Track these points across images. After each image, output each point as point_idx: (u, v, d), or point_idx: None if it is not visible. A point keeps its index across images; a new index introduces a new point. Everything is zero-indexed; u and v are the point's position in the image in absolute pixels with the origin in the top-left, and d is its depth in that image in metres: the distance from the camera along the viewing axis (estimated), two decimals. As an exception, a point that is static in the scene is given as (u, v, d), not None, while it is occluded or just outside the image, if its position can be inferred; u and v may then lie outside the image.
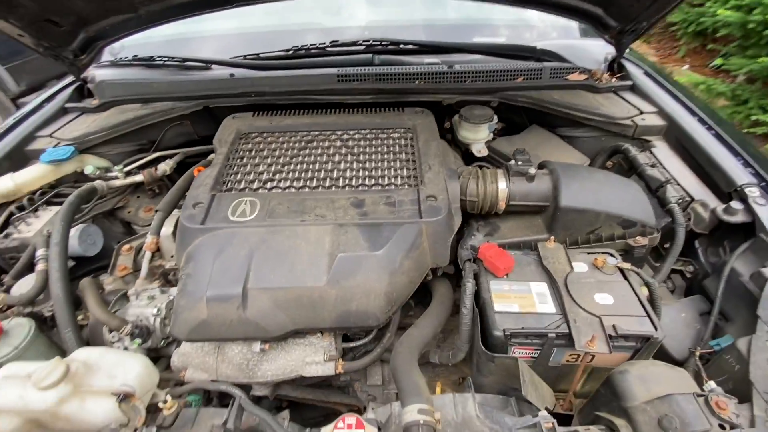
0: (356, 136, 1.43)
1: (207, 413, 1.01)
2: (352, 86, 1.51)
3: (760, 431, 0.74)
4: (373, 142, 1.40)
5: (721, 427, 0.75)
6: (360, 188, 1.23)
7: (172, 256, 1.31)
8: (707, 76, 4.76)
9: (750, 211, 1.16)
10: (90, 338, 1.16)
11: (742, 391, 0.84)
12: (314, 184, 1.25)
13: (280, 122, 1.48)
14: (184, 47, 1.87)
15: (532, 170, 1.24)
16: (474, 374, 1.11)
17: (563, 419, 0.96)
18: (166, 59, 1.74)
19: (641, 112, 1.56)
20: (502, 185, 1.26)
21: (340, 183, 1.25)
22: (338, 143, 1.41)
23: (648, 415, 0.80)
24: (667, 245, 1.30)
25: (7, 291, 1.23)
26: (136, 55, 1.78)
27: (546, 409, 0.93)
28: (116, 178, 1.49)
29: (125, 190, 1.57)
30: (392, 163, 1.31)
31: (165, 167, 1.59)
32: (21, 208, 1.39)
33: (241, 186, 1.25)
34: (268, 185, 1.25)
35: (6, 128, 1.57)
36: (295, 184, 1.25)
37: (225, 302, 0.99)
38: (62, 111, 1.73)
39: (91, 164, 1.49)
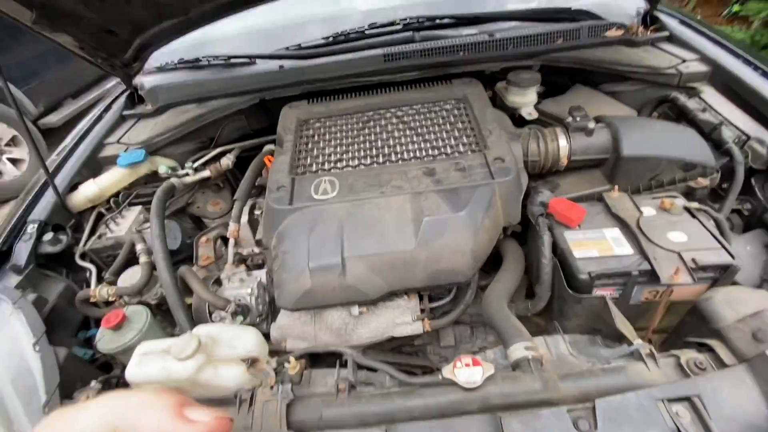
0: (410, 112, 1.49)
1: (319, 373, 1.11)
2: (399, 64, 1.57)
3: None
4: (429, 115, 1.46)
5: (814, 332, 0.81)
6: (426, 159, 1.29)
7: (259, 241, 1.40)
8: (720, 26, 4.67)
9: (809, 142, 1.19)
10: (195, 318, 1.26)
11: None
12: (382, 159, 1.32)
13: (335, 106, 1.55)
14: (213, 48, 1.92)
15: (591, 124, 1.29)
16: (557, 320, 1.19)
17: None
18: (211, 59, 1.81)
19: (684, 60, 1.58)
20: (563, 142, 1.31)
21: (406, 156, 1.32)
22: (394, 120, 1.47)
23: (741, 331, 0.87)
24: (725, 185, 1.34)
25: (112, 284, 1.34)
26: (182, 59, 1.86)
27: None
28: (187, 175, 1.57)
29: (194, 186, 1.66)
30: (452, 132, 1.37)
31: (227, 161, 1.67)
32: (108, 210, 1.50)
33: (314, 168, 1.32)
34: (339, 165, 1.32)
35: (76, 140, 1.66)
36: (364, 161, 1.32)
37: (327, 271, 1.08)
38: (121, 119, 1.82)
39: (163, 164, 1.58)
